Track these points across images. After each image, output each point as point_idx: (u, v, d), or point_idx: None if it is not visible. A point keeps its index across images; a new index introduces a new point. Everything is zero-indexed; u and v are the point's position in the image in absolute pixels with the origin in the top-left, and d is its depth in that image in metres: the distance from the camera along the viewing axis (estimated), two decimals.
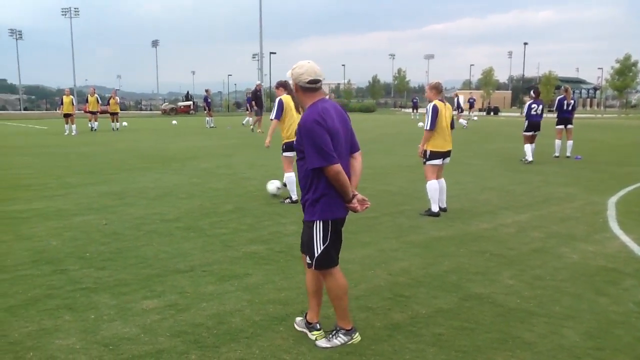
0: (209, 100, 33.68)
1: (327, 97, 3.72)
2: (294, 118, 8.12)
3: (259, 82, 29.65)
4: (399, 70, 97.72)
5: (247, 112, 32.45)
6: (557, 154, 15.12)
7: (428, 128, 7.53)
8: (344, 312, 3.69)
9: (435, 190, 7.58)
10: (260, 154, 15.71)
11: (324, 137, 3.34)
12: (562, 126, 15.11)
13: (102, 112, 28.96)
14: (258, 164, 13.29)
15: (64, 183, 10.22)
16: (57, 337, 3.71)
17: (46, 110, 73.06)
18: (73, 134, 24.17)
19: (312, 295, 3.81)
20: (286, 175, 8.50)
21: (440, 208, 7.72)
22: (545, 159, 14.52)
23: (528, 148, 13.94)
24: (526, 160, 13.84)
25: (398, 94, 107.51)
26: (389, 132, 26.45)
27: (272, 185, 8.78)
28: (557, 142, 15.18)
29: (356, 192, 3.58)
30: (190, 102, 63.19)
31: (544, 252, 5.83)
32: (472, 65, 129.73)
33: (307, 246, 3.58)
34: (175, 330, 3.83)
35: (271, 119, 8.39)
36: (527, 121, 14.16)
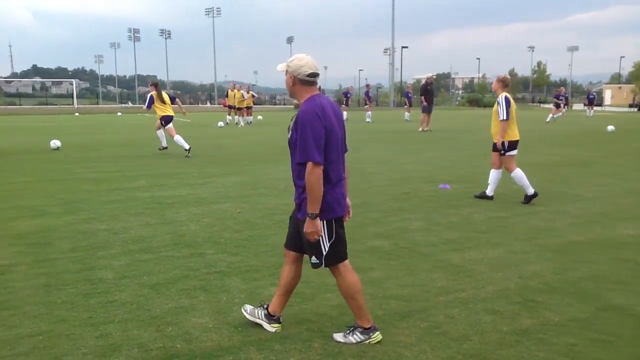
0: (370, 94, 34.08)
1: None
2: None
3: (430, 74, 28.62)
4: (539, 64, 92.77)
5: (406, 107, 31.60)
6: None
7: (504, 118, 7.81)
8: (360, 310, 3.59)
9: (523, 177, 7.96)
10: (388, 149, 15.69)
11: (321, 133, 3.29)
12: None
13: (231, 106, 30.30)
14: (385, 159, 13.27)
15: (204, 173, 10.93)
16: (192, 315, 3.98)
17: (190, 104, 78.41)
18: (241, 125, 25.98)
19: (284, 293, 3.78)
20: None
21: (487, 195, 8.26)
22: None
23: None
24: None
25: (537, 88, 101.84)
26: (526, 129, 25.11)
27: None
28: None
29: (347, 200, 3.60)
30: None
31: None
32: (623, 57, 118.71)
33: (314, 247, 3.48)
34: (300, 317, 3.95)
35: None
36: None
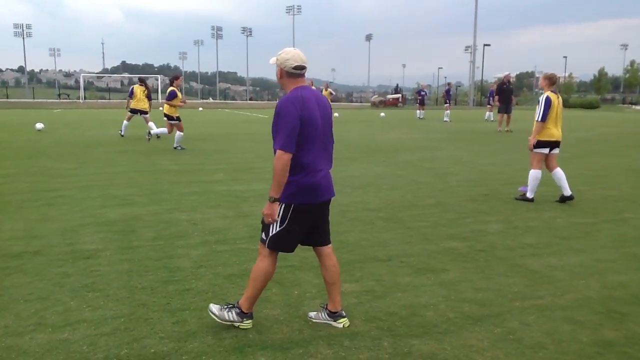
0: (450, 93, 33.59)
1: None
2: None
3: (507, 73, 27.74)
4: (632, 63, 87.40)
5: (489, 106, 30.29)
6: None
7: (539, 119, 7.73)
8: (252, 296, 3.66)
9: (537, 180, 7.94)
10: (467, 149, 15.33)
11: (294, 122, 3.36)
12: None
13: None
14: (463, 160, 12.98)
15: None
16: (265, 307, 4.06)
17: (268, 100, 79.92)
18: None
19: (327, 286, 3.83)
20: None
21: (566, 197, 7.96)
22: None
23: None
24: None
25: (629, 89, 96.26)
26: (614, 132, 23.83)
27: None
28: None
29: None
30: (399, 95, 63.97)
31: None
32: None
33: (265, 224, 3.58)
34: (370, 315, 3.94)
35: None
36: None
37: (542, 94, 8.02)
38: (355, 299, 4.23)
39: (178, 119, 14.22)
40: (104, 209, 7.13)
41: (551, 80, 7.94)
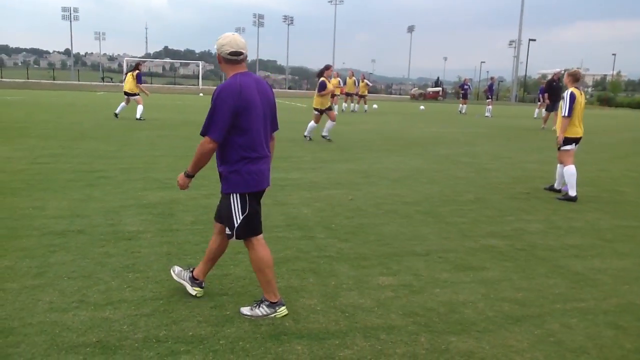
0: (493, 88, 32.99)
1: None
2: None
3: (558, 69, 26.93)
4: None
5: (539, 103, 28.84)
6: None
7: (566, 114, 7.76)
8: (268, 285, 3.69)
9: (573, 175, 7.86)
10: (508, 146, 15.05)
11: (223, 110, 3.38)
12: None
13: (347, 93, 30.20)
14: (503, 156, 12.75)
15: (317, 158, 11.10)
16: (301, 295, 4.07)
17: (307, 89, 79.93)
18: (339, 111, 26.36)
19: (208, 260, 3.95)
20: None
21: (554, 189, 8.22)
22: None
23: None
24: None
25: None
26: None
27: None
28: None
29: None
30: (440, 89, 63.24)
31: None
32: None
33: (226, 218, 3.64)
34: (407, 310, 3.90)
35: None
36: None
37: (587, 93, 8.00)
38: (392, 293, 4.20)
39: (329, 109, 14.19)
40: (145, 192, 7.25)
41: (575, 77, 8.02)
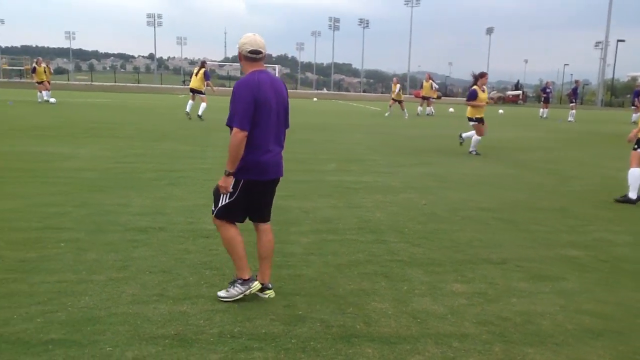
0: (578, 92, 31.72)
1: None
2: None
3: None
4: None
5: (634, 108, 27.42)
6: None
7: None
8: (239, 262, 3.90)
9: (638, 178, 7.69)
10: (592, 152, 14.38)
11: (247, 102, 3.62)
12: None
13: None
14: (587, 162, 12.19)
15: (391, 161, 11.03)
16: (373, 299, 4.06)
17: (381, 93, 79.64)
18: (406, 116, 25.98)
19: (263, 259, 4.09)
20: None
21: (631, 199, 7.74)
22: None
23: None
24: None
25: None
26: None
27: None
28: None
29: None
30: (520, 92, 61.26)
31: None
32: None
33: (215, 195, 3.85)
34: (482, 318, 3.81)
35: None
36: None
37: None
38: (466, 301, 4.11)
39: (478, 120, 12.66)
40: None
41: None
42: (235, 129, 3.66)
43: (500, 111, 35.87)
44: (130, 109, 24.82)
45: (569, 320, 3.84)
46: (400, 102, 26.56)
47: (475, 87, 12.70)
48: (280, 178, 4.05)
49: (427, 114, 28.83)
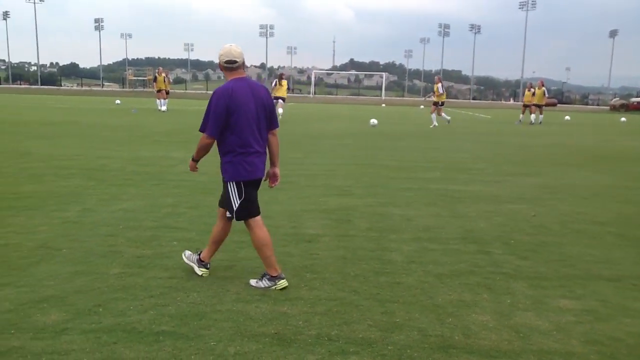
0: None
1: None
2: None
3: None
4: None
5: None
6: None
7: None
8: (267, 260, 4.23)
9: None
10: None
11: (217, 109, 3.99)
12: None
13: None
14: None
15: (500, 170, 10.67)
16: (473, 311, 3.97)
17: (492, 100, 77.11)
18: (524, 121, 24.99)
19: (213, 242, 4.46)
20: None
21: None
22: None
23: None
24: None
25: None
26: None
27: None
28: None
29: (276, 168, 4.57)
30: None
31: None
32: None
33: (227, 203, 4.23)
34: (590, 337, 3.60)
35: None
36: None
37: None
38: (574, 318, 3.90)
39: None
40: (325, 197, 7.61)
41: None
42: (204, 135, 4.10)
43: (623, 119, 33.42)
44: None
45: None
46: (441, 104, 23.65)
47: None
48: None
49: (540, 122, 27.43)
